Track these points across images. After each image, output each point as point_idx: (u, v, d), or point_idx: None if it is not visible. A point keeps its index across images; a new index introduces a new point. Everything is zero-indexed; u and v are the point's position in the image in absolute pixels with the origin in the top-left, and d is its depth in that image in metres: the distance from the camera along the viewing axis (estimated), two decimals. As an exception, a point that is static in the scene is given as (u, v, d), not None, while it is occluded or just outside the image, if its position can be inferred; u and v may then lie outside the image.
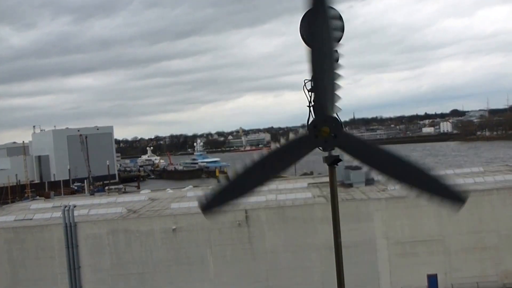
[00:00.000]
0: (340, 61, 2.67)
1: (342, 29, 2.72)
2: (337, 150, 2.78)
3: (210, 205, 2.97)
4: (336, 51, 2.78)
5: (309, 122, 2.78)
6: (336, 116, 2.66)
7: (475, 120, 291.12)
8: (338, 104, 2.65)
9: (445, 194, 2.66)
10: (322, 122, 2.68)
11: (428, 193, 2.63)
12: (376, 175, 2.53)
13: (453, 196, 2.61)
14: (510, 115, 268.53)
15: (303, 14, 2.87)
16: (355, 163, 2.81)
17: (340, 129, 2.71)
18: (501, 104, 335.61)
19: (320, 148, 2.78)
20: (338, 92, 2.63)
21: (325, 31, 2.67)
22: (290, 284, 44.23)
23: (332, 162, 2.78)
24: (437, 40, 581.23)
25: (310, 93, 2.80)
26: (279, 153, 2.83)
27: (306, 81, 2.77)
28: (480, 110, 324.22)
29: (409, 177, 2.69)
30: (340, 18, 2.71)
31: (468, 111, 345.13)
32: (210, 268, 46.96)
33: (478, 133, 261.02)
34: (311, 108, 2.74)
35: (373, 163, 2.75)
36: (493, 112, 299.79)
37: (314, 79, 2.78)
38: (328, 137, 2.69)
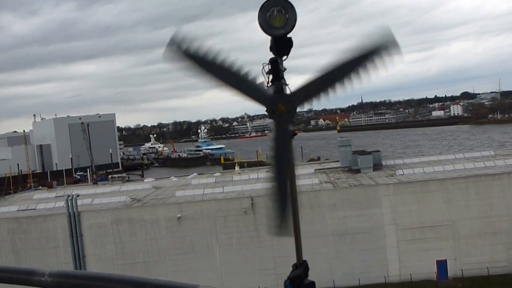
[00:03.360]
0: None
1: (295, 19, 3.25)
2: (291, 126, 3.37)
3: None
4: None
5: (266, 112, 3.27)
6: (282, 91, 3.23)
7: (487, 103, 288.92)
8: (284, 83, 3.30)
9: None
10: (273, 105, 3.11)
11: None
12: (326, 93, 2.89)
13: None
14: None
15: (260, 6, 3.29)
16: (315, 102, 3.38)
17: (287, 96, 3.23)
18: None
19: (290, 122, 3.29)
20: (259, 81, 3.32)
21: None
22: (297, 272, 44.66)
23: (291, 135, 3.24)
24: (447, 21, 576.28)
25: (267, 75, 3.26)
26: (277, 156, 3.45)
27: (264, 65, 3.20)
28: (491, 92, 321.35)
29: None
30: (292, 8, 3.25)
31: (479, 94, 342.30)
32: (216, 256, 47.46)
33: (490, 116, 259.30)
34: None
35: (324, 93, 3.35)
36: (505, 94, 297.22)
37: (241, 90, 3.30)
38: (286, 110, 3.14)
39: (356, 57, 3.32)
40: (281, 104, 3.27)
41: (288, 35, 3.38)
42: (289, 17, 3.35)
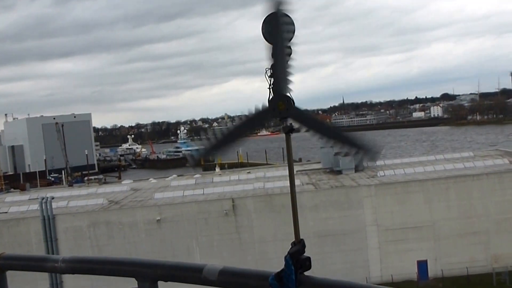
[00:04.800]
0: (292, 56, 3.93)
1: (293, 32, 3.92)
2: (290, 120, 4.05)
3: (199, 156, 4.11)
4: (289, 48, 3.93)
5: (269, 100, 3.88)
6: (289, 95, 3.83)
7: (466, 104, 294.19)
8: (290, 86, 3.87)
9: (364, 149, 4.01)
10: (278, 99, 3.81)
11: (351, 148, 3.99)
12: (317, 138, 3.69)
13: (370, 150, 3.96)
14: (501, 99, 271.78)
15: (264, 18, 3.92)
16: (303, 129, 4.08)
17: (291, 104, 3.86)
18: (492, 88, 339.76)
19: (277, 118, 3.98)
20: (290, 78, 3.89)
21: (280, 33, 3.87)
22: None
23: (288, 131, 3.92)
24: (428, 23, 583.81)
25: (270, 78, 3.88)
26: (247, 120, 4.02)
27: (266, 69, 3.88)
28: (471, 93, 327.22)
29: (339, 138, 4.05)
30: (293, 23, 3.95)
31: (459, 95, 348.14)
32: (196, 259, 47.35)
33: (469, 117, 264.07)
34: (270, 89, 3.86)
35: (315, 128, 4.00)
36: (484, 95, 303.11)
37: (272, 68, 3.91)
38: (282, 110, 3.80)
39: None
40: (282, 103, 3.83)
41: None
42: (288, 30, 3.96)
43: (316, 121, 4.10)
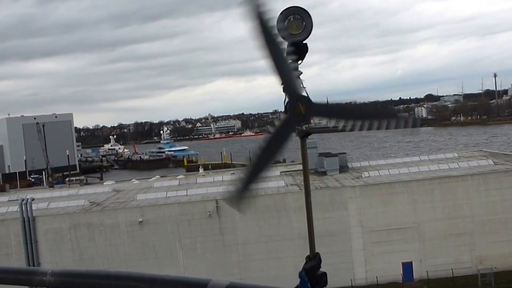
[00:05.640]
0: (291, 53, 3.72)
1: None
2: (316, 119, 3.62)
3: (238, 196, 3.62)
4: (283, 45, 3.63)
5: (287, 105, 3.47)
6: (305, 93, 3.43)
7: (450, 105, 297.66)
8: (301, 83, 3.49)
9: (402, 122, 3.60)
10: (295, 102, 3.37)
11: (392, 120, 3.57)
12: (351, 127, 3.26)
13: (409, 123, 3.58)
14: (484, 100, 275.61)
15: (279, 13, 3.70)
16: (332, 123, 3.65)
17: (311, 103, 3.45)
18: (475, 89, 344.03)
19: (301, 124, 3.50)
20: (298, 75, 3.57)
21: (270, 32, 3.53)
22: (262, 276, 44.70)
23: (304, 135, 3.47)
24: (412, 24, 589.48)
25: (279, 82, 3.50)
26: (271, 140, 3.55)
27: (272, 72, 3.44)
28: (455, 94, 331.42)
29: (375, 115, 3.64)
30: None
31: (442, 96, 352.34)
32: (179, 261, 46.99)
33: (453, 118, 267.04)
34: (286, 94, 3.45)
35: (346, 116, 3.64)
36: (467, 96, 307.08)
37: (275, 71, 3.53)
38: (305, 112, 3.38)
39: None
40: (301, 105, 3.49)
41: (304, 41, 3.77)
42: (306, 25, 3.74)
43: (344, 109, 3.75)
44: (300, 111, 3.49)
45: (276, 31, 3.60)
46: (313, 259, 3.67)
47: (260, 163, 3.61)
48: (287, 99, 3.53)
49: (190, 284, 3.43)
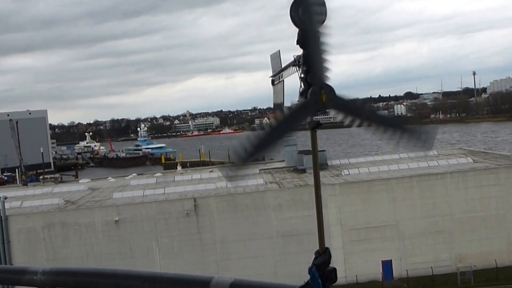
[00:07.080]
0: (326, 40, 3.61)
1: (326, 14, 3.59)
2: (333, 112, 3.58)
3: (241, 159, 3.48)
4: (322, 32, 3.59)
5: (310, 90, 3.43)
6: (330, 84, 3.43)
7: (429, 103, 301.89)
8: (328, 73, 3.49)
9: (417, 135, 3.61)
10: (319, 90, 3.37)
11: (405, 134, 3.52)
12: (368, 127, 3.27)
13: (423, 137, 3.52)
14: (463, 98, 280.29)
15: (293, 1, 3.58)
16: (348, 120, 3.66)
17: (334, 94, 3.44)
18: (454, 87, 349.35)
19: (318, 112, 3.49)
20: (327, 65, 3.52)
21: (312, 16, 3.52)
22: (241, 275, 44.50)
23: (314, 126, 3.41)
24: (392, 23, 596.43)
25: (303, 67, 3.53)
26: (288, 116, 3.53)
27: (296, 57, 3.40)
28: (434, 92, 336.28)
29: (391, 123, 3.67)
30: (324, 4, 3.61)
31: (422, 94, 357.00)
32: (156, 261, 46.60)
33: (432, 116, 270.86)
34: (304, 79, 3.48)
35: (364, 117, 3.62)
36: (446, 94, 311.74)
37: (306, 56, 3.54)
38: (326, 101, 3.37)
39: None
40: (324, 93, 3.42)
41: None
42: (321, 12, 3.65)
43: (364, 110, 3.70)
44: (321, 99, 3.43)
45: (317, 11, 3.59)
46: (323, 254, 3.59)
47: (267, 138, 3.56)
48: (303, 87, 3.50)
49: (192, 281, 3.31)
